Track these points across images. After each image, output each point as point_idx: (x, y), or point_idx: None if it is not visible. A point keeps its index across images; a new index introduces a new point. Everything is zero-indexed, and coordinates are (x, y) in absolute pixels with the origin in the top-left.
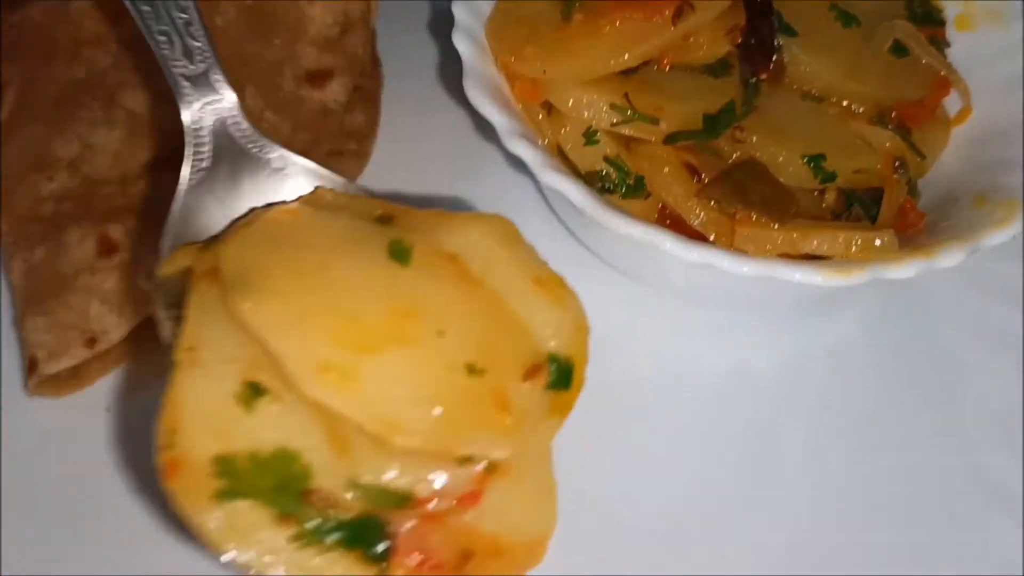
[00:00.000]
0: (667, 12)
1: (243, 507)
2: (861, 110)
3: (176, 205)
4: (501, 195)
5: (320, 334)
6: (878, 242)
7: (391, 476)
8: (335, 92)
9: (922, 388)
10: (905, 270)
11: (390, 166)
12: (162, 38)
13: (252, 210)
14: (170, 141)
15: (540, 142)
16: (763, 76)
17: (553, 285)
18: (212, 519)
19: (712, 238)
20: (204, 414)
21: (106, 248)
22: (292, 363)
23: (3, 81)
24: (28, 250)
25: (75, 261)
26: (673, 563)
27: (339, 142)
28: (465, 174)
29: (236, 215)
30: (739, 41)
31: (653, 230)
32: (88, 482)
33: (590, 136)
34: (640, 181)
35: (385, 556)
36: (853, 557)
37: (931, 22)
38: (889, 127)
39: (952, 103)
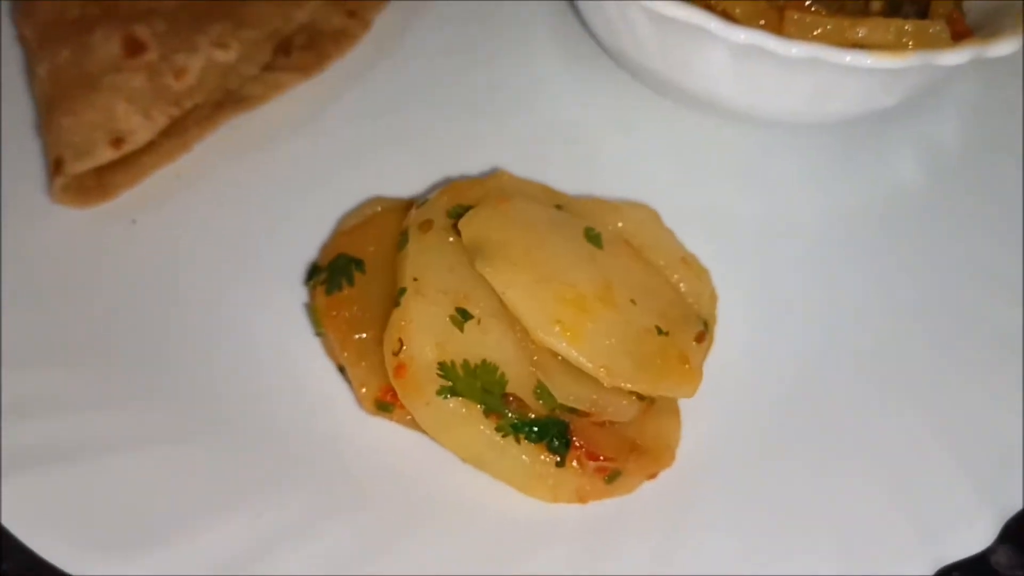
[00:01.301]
0: None
1: (459, 401)
2: None
3: None
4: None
5: (549, 297)
6: (931, 30)
7: (576, 392)
8: None
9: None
10: (958, 56)
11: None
12: None
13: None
14: None
15: None
16: None
17: (693, 263)
18: (434, 407)
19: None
20: (426, 329)
21: (133, 47)
22: (529, 318)
23: None
24: (53, 53)
25: (100, 60)
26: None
27: None
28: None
29: None
30: None
31: (698, 11)
32: (114, 293)
33: None
34: None
35: (564, 448)
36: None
37: None
38: None
39: None
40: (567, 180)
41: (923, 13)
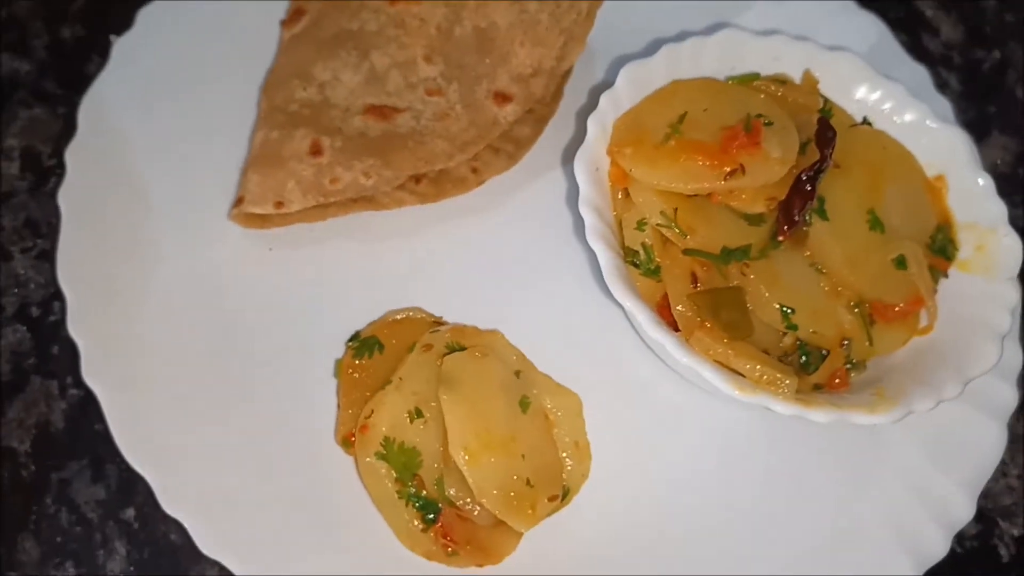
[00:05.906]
0: (725, 168)
1: (385, 465)
2: (845, 292)
3: None
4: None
5: (471, 430)
6: (778, 382)
7: (457, 494)
8: (507, 113)
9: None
10: (783, 408)
11: (510, 187)
12: None
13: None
14: (387, 98)
15: (614, 241)
16: (781, 239)
17: (583, 448)
18: (368, 462)
19: (680, 329)
20: (390, 412)
21: (315, 150)
22: (452, 437)
23: (305, 8)
24: (270, 128)
25: (293, 150)
26: None
27: (500, 142)
28: (556, 227)
29: None
30: (776, 206)
31: (704, 363)
32: (244, 301)
33: (641, 224)
34: (658, 268)
35: (432, 523)
36: None
37: (942, 255)
38: (857, 310)
39: (925, 317)
40: (543, 354)
41: (823, 358)
